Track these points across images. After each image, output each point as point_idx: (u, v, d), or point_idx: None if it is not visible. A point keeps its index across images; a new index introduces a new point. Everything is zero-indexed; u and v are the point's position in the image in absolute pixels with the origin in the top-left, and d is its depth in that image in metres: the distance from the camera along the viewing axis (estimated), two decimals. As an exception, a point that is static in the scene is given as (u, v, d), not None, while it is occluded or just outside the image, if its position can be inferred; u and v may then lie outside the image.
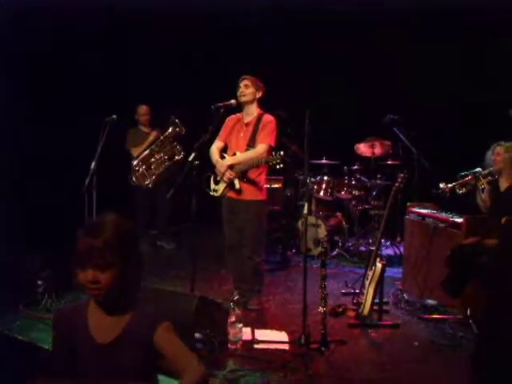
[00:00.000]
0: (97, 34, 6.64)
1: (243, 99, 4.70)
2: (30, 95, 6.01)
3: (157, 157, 6.56)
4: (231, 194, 4.74)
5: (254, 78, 4.75)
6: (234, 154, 4.73)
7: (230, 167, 4.66)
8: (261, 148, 4.59)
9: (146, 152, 6.55)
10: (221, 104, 4.54)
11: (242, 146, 4.71)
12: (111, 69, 6.79)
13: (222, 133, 4.89)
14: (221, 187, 4.77)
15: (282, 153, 4.33)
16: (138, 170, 6.52)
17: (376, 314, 4.52)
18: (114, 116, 5.23)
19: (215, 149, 4.85)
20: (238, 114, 4.87)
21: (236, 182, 4.66)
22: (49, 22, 5.97)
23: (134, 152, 6.61)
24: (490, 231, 4.31)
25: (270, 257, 6.27)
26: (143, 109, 6.80)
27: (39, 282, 4.66)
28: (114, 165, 6.48)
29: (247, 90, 4.70)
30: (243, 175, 4.65)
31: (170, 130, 6.49)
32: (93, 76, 6.55)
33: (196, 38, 7.35)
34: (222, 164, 4.71)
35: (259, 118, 4.71)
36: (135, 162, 6.54)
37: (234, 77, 4.83)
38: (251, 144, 4.66)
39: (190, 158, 4.23)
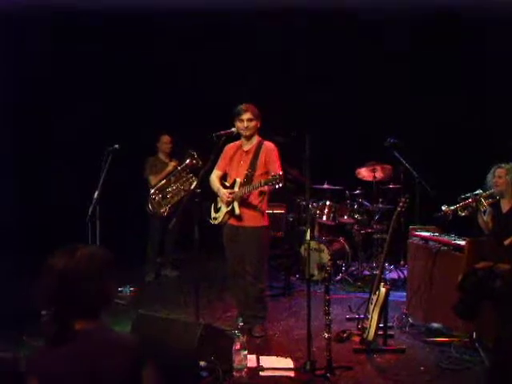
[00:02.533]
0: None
1: (249, 133, 4.69)
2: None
3: (173, 187, 6.69)
4: (232, 221, 4.74)
5: (253, 108, 4.70)
6: (234, 182, 4.74)
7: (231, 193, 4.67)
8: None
9: (163, 181, 6.68)
10: (222, 132, 4.59)
11: (242, 172, 4.72)
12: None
13: (221, 162, 4.89)
14: (221, 215, 4.77)
15: (280, 172, 4.33)
16: (155, 198, 6.64)
17: (381, 338, 4.50)
18: (117, 145, 5.29)
19: (215, 178, 4.87)
20: (236, 142, 4.87)
21: (236, 207, 4.67)
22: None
23: (152, 180, 6.73)
24: (493, 253, 4.31)
25: (273, 283, 6.26)
26: (166, 138, 6.94)
27: (43, 312, 4.64)
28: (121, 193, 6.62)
29: (251, 123, 4.67)
30: (244, 201, 4.66)
31: (187, 161, 6.63)
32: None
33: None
34: (224, 192, 4.71)
35: (259, 146, 4.73)
36: (152, 191, 6.65)
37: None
38: (251, 169, 4.67)
39: (192, 186, 4.26)
